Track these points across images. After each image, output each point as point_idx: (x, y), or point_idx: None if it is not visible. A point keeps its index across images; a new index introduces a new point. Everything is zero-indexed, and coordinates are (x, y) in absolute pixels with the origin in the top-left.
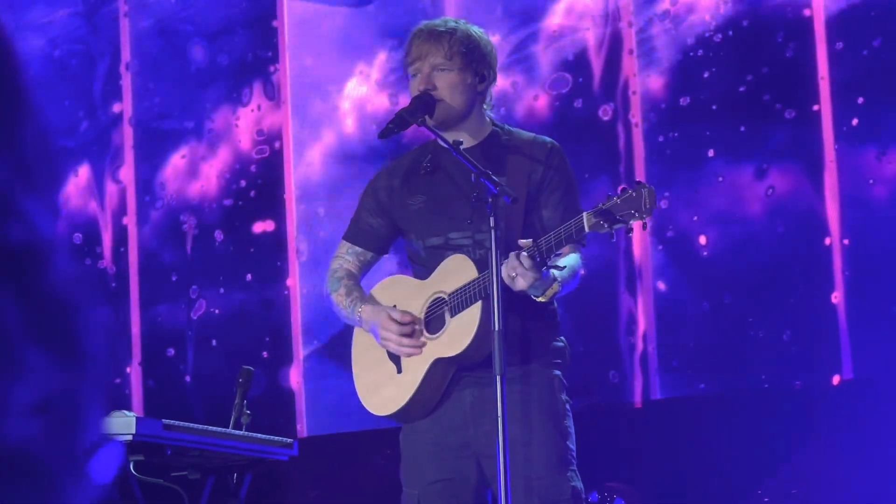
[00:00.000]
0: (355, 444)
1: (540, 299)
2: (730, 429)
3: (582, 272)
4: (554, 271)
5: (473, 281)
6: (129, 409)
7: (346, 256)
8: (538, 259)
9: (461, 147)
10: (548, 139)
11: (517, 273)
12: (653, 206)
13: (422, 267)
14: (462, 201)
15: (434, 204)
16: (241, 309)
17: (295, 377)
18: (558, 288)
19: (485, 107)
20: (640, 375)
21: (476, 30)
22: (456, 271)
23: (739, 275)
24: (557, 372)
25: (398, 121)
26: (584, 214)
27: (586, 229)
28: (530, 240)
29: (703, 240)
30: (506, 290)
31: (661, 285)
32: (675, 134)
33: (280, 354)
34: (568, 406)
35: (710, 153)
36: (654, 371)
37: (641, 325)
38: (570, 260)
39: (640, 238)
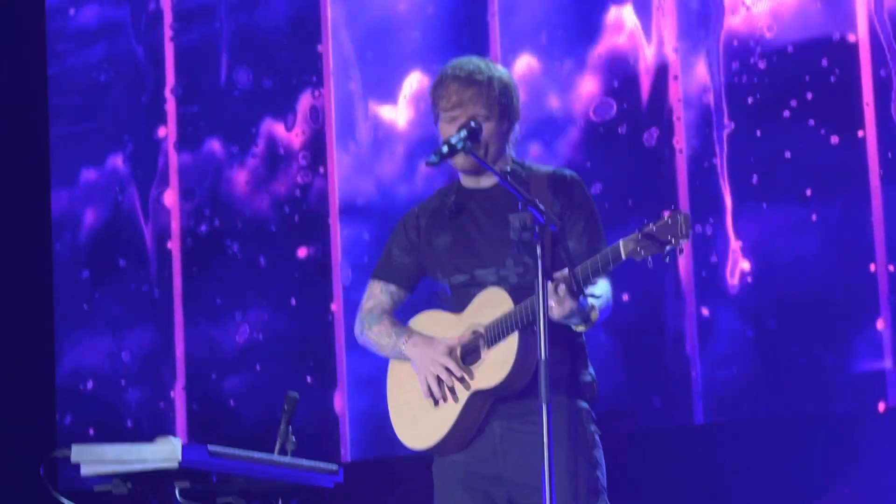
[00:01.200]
0: (399, 469)
1: (580, 328)
2: (773, 455)
3: (611, 299)
4: (591, 299)
5: (509, 313)
6: (174, 432)
7: (381, 296)
8: (575, 289)
9: (507, 177)
10: (567, 171)
11: (553, 303)
12: (688, 231)
13: (448, 305)
14: (486, 240)
15: (459, 243)
16: (285, 333)
17: (339, 402)
18: (597, 315)
19: (509, 147)
20: (683, 401)
21: (506, 74)
22: (491, 304)
23: (783, 301)
24: (585, 404)
25: (445, 149)
26: (621, 242)
27: (623, 257)
28: (565, 269)
29: (747, 265)
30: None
31: (705, 311)
32: (720, 160)
33: (324, 379)
34: (597, 437)
35: (754, 179)
36: (698, 396)
37: (685, 350)
38: (603, 287)
39: (684, 263)
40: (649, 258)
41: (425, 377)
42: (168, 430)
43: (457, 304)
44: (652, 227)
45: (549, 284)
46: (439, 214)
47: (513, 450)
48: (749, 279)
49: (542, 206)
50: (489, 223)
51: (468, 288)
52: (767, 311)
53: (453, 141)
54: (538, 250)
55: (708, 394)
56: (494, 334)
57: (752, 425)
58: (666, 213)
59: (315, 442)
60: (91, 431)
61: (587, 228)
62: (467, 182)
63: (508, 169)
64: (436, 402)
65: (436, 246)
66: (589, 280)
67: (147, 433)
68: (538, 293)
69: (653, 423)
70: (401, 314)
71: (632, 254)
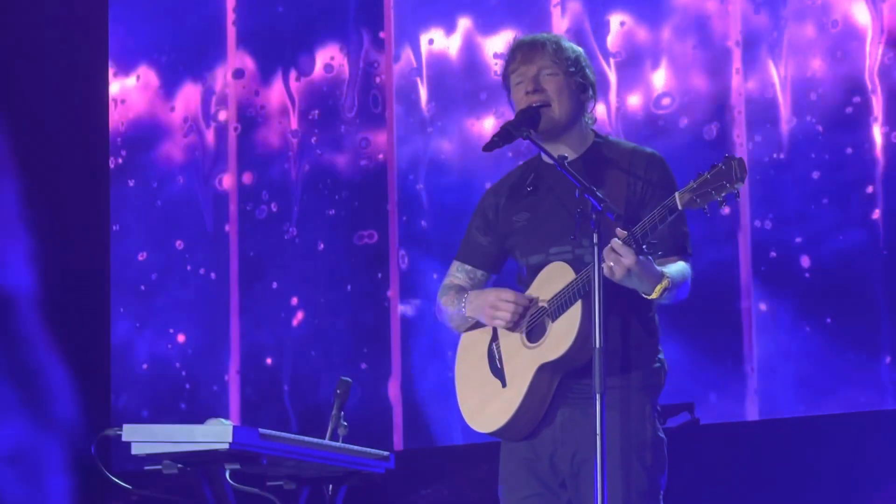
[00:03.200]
0: (452, 458)
1: (651, 296)
2: (828, 451)
3: (689, 281)
4: (663, 269)
5: (571, 282)
6: (227, 416)
7: (457, 274)
8: (633, 245)
9: (565, 161)
10: (648, 150)
11: (613, 261)
12: (743, 174)
13: (525, 288)
14: (563, 218)
15: (536, 221)
16: (340, 319)
17: (393, 389)
18: (668, 283)
19: (587, 119)
20: (738, 397)
21: (574, 43)
22: (553, 278)
23: (841, 297)
24: (650, 398)
25: (503, 134)
26: (677, 193)
27: (679, 207)
28: (624, 231)
29: (805, 261)
30: (608, 299)
31: (763, 306)
32: (780, 155)
33: (378, 366)
34: (660, 434)
35: (815, 175)
36: (754, 392)
37: (742, 346)
38: (678, 266)
39: (743, 258)
40: (706, 206)
41: (493, 319)
42: (222, 413)
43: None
44: (707, 175)
45: (607, 247)
46: (518, 191)
47: (571, 441)
48: (807, 275)
49: (599, 194)
50: (567, 200)
51: (543, 268)
52: (825, 308)
53: (509, 127)
54: (594, 238)
55: (763, 390)
56: (558, 306)
57: (808, 422)
58: (718, 162)
59: (368, 429)
60: (144, 413)
61: None
62: (548, 158)
63: (590, 143)
64: (504, 384)
65: (514, 224)
66: (647, 235)
67: (200, 416)
68: (595, 282)
69: (708, 418)
70: None
71: (688, 203)
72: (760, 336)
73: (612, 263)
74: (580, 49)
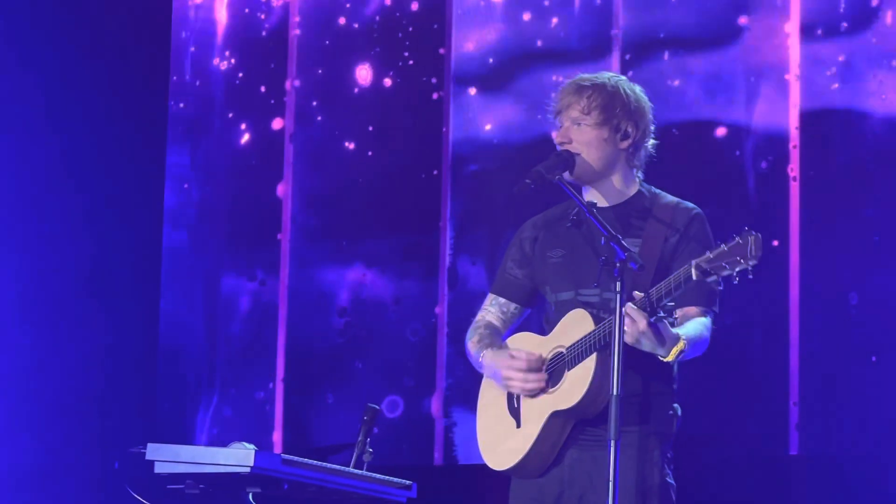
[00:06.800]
0: (492, 475)
1: (666, 359)
2: (867, 490)
3: (708, 337)
4: (679, 330)
5: (590, 333)
6: (271, 424)
7: (490, 308)
8: (648, 310)
9: (595, 207)
10: (690, 205)
11: (626, 326)
12: (758, 252)
13: (550, 326)
14: (594, 261)
15: (570, 259)
16: (388, 333)
17: (436, 406)
18: (684, 346)
19: (635, 165)
20: (779, 430)
21: (627, 86)
22: (574, 325)
23: (889, 336)
24: (660, 444)
25: (535, 176)
26: (693, 262)
27: (693, 277)
28: (641, 293)
29: (853, 299)
30: (627, 349)
31: (809, 341)
32: (833, 191)
33: (423, 382)
34: (668, 480)
35: (869, 213)
36: (794, 427)
37: (787, 379)
38: (696, 323)
39: (792, 291)
40: (719, 280)
41: (507, 386)
42: (265, 421)
43: (557, 323)
44: (723, 248)
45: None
46: (558, 227)
47: (578, 483)
48: (853, 312)
49: (624, 243)
50: (599, 245)
51: (571, 307)
52: (871, 346)
53: (542, 170)
54: (617, 286)
55: (804, 425)
56: (575, 355)
57: (847, 460)
58: (737, 235)
59: (411, 444)
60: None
61: None
62: (591, 197)
63: (632, 193)
64: (518, 424)
65: (548, 259)
66: (662, 300)
67: (244, 422)
68: (615, 329)
69: (747, 450)
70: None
71: (702, 275)
72: (804, 371)
73: (625, 328)
74: (630, 91)
